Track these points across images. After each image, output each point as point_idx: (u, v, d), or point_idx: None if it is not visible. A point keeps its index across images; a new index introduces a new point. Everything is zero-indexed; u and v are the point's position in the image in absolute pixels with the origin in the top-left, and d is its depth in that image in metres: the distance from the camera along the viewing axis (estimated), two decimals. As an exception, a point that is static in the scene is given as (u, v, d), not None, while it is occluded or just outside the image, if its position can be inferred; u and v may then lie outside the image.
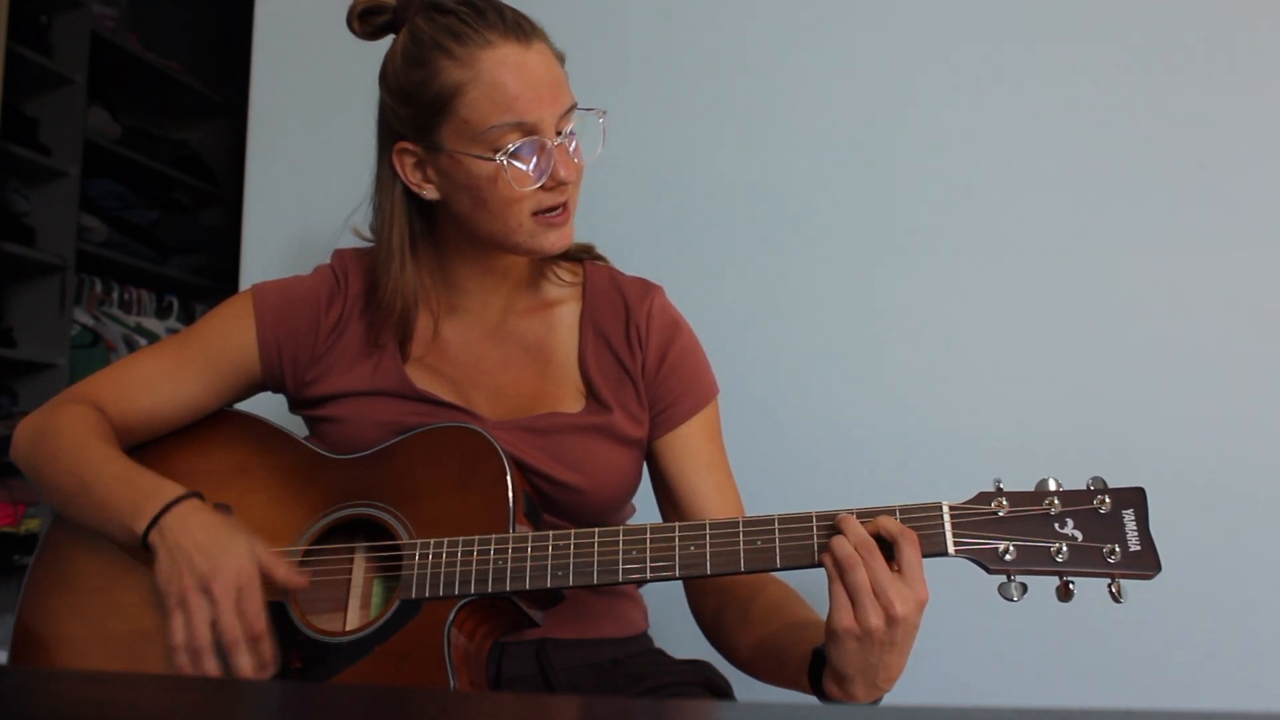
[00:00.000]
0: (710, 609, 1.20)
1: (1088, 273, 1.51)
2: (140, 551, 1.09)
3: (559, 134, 1.12)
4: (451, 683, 1.03)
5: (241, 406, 1.27)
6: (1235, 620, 1.43)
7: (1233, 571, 1.43)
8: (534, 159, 1.10)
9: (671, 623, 1.28)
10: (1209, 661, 1.43)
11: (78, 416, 1.17)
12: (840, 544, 0.97)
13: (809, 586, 1.13)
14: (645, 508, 1.29)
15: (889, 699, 1.00)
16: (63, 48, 3.37)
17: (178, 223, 4.03)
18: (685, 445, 1.22)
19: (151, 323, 3.77)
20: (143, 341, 3.60)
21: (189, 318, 3.91)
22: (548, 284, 1.26)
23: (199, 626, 1.03)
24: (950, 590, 1.24)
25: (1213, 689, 1.43)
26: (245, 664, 1.03)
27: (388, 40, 1.19)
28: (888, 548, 0.97)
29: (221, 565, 1.03)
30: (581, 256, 1.28)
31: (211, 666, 1.03)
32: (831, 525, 0.99)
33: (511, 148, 1.09)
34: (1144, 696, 1.45)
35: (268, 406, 1.40)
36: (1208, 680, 1.43)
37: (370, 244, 1.23)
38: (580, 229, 1.19)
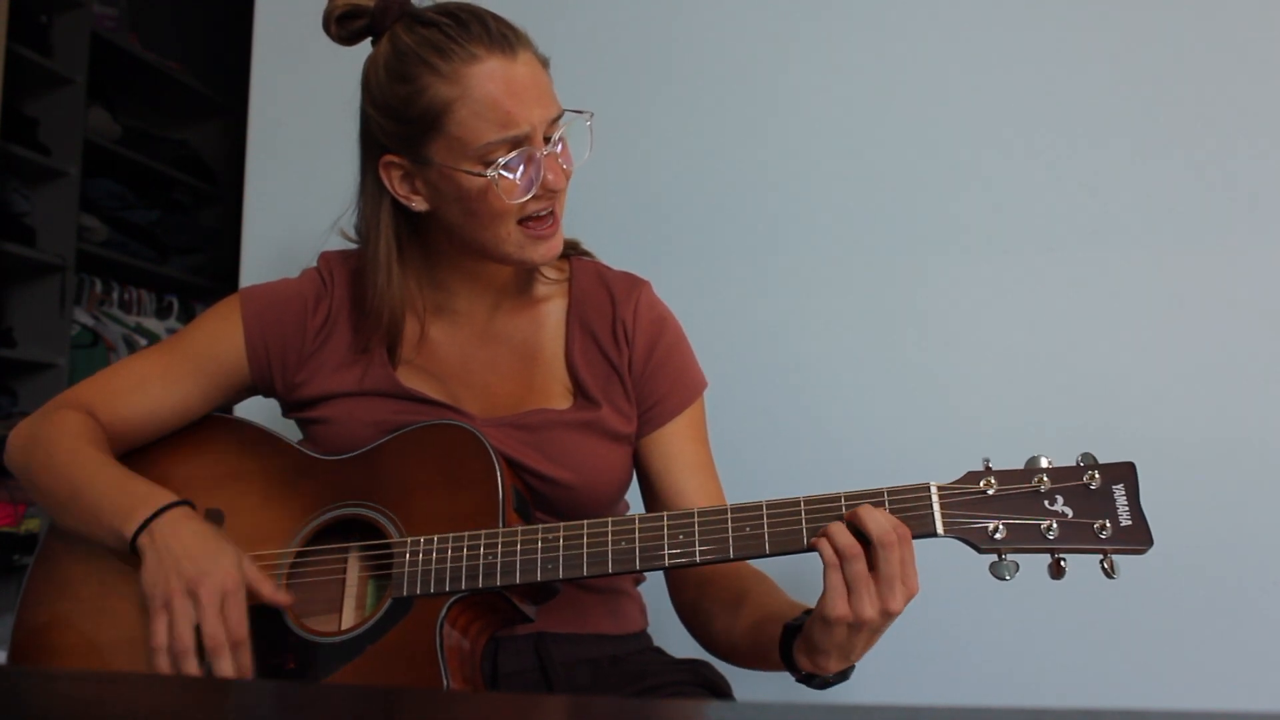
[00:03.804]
0: (688, 600, 1.21)
1: (1082, 264, 1.51)
2: (134, 559, 1.09)
3: (547, 141, 1.11)
4: (445, 680, 1.03)
5: (237, 411, 1.27)
6: (1235, 617, 1.43)
7: (1233, 566, 1.43)
8: (524, 170, 1.10)
9: (671, 622, 1.28)
10: (1209, 659, 1.43)
11: (70, 423, 1.17)
12: (840, 532, 0.97)
13: (799, 577, 1.14)
14: (638, 506, 1.29)
15: (888, 695, 1.00)
16: (63, 48, 3.38)
17: (178, 223, 4.03)
18: (671, 444, 1.22)
19: (151, 323, 3.77)
20: (143, 341, 3.61)
21: (189, 318, 3.91)
22: (534, 282, 1.26)
23: (182, 628, 1.03)
24: (950, 592, 1.24)
25: (1213, 687, 1.43)
26: (225, 668, 1.03)
27: None
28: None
29: (208, 570, 1.04)
30: (568, 253, 1.28)
31: (192, 668, 1.03)
32: (824, 510, 0.99)
33: (502, 161, 1.09)
34: (1144, 695, 1.46)
35: (260, 412, 1.40)
36: (1207, 677, 1.43)
37: (356, 245, 1.23)
38: (568, 225, 1.19)
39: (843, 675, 1.02)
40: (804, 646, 1.00)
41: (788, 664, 1.03)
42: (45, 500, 1.17)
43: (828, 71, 1.62)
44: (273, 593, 1.07)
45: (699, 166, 1.66)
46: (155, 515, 1.07)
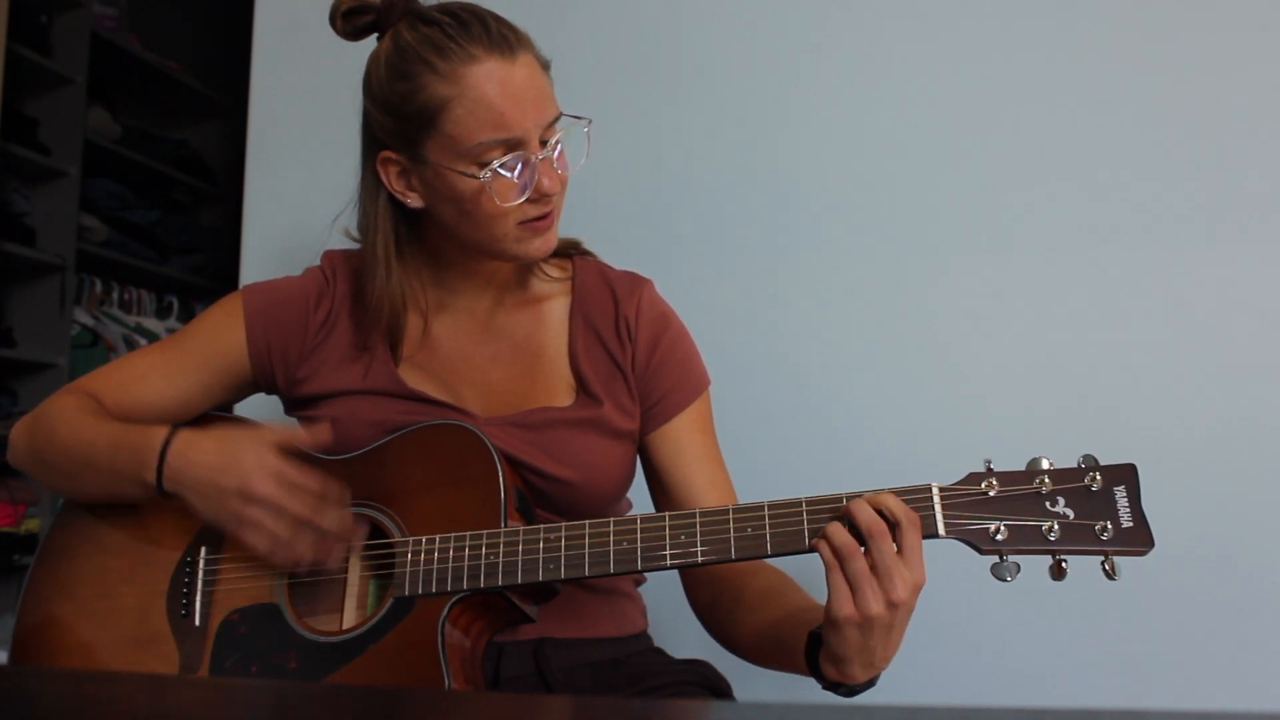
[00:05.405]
0: (705, 599, 1.20)
1: (1082, 265, 1.51)
2: (141, 552, 1.10)
3: (544, 144, 1.11)
4: (446, 681, 1.03)
5: (238, 410, 1.27)
6: (1236, 618, 1.43)
7: (1233, 566, 1.43)
8: (518, 173, 1.10)
9: (671, 622, 1.28)
10: (1209, 659, 1.43)
11: (68, 402, 1.19)
12: (837, 532, 0.96)
13: (810, 580, 1.14)
14: (641, 505, 1.29)
15: (888, 695, 1.00)
16: (63, 48, 3.37)
17: (178, 223, 4.03)
18: (678, 439, 1.22)
19: (151, 323, 3.77)
20: (143, 341, 3.61)
21: (189, 318, 3.90)
22: (536, 280, 1.26)
23: (270, 528, 1.05)
24: (952, 593, 1.24)
25: (1213, 686, 1.43)
26: (332, 522, 1.06)
27: None
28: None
29: (244, 468, 1.05)
30: (569, 252, 1.28)
31: (305, 547, 1.06)
32: (826, 510, 0.99)
33: (496, 163, 1.09)
34: (1144, 695, 1.46)
35: (263, 411, 1.40)
36: (1207, 677, 1.43)
37: (359, 244, 1.23)
38: (574, 226, 1.19)
39: (870, 682, 1.00)
40: (826, 655, 0.98)
41: (814, 672, 1.01)
42: (58, 478, 1.19)
43: (832, 72, 1.62)
44: (310, 434, 1.10)
45: (704, 166, 1.66)
46: (162, 460, 1.09)
